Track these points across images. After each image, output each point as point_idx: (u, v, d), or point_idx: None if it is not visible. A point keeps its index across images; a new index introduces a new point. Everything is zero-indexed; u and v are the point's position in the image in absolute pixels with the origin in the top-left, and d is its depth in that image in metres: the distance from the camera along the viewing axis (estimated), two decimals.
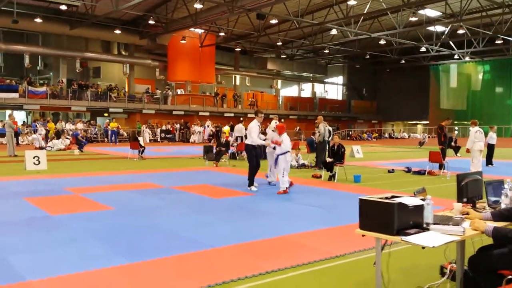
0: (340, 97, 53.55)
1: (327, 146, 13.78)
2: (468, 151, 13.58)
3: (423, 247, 2.89)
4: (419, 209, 3.20)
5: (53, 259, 4.69)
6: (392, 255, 4.19)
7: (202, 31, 34.98)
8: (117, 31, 31.59)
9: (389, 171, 14.03)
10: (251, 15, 28.02)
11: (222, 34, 35.11)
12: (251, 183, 9.74)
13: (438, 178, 12.37)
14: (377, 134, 47.53)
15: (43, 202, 7.90)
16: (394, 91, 49.37)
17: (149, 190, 9.67)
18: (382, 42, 34.71)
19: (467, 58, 40.79)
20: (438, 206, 6.44)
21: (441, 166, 13.34)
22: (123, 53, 36.60)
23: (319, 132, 14.45)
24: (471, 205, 3.93)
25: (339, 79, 53.63)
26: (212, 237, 5.67)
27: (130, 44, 35.47)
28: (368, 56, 42.92)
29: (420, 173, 13.51)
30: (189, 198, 8.64)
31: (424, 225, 3.23)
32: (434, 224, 3.28)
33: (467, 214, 3.60)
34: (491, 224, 3.20)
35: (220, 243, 5.38)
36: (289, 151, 9.63)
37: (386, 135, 49.71)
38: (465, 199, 3.90)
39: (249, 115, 39.45)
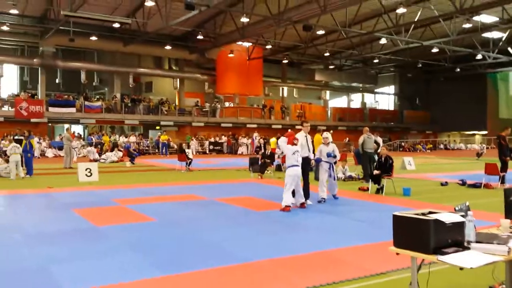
0: (391, 107, 52.18)
1: (373, 158, 13.40)
2: None
3: (461, 268, 2.67)
4: (459, 226, 2.97)
5: (92, 270, 4.78)
6: (434, 274, 3.93)
7: (250, 44, 35.33)
8: (168, 47, 32.54)
9: (442, 184, 13.41)
10: (298, 27, 27.96)
11: (269, 46, 35.30)
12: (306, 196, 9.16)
13: (495, 192, 11.64)
14: (431, 145, 45.77)
15: (90, 213, 8.15)
16: (449, 100, 47.47)
17: (192, 202, 9.76)
18: (435, 50, 33.56)
19: None
20: (490, 222, 6.04)
21: (501, 179, 12.59)
22: (174, 68, 37.62)
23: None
24: None
25: (391, 89, 52.30)
26: (250, 251, 5.60)
27: (180, 59, 36.40)
28: (420, 65, 41.62)
29: (475, 186, 12.81)
30: (231, 211, 8.62)
31: (465, 244, 3.00)
32: (477, 242, 3.04)
33: None
34: None
35: (258, 256, 5.30)
36: (296, 165, 8.52)
37: (441, 146, 47.77)
38: None
39: (297, 127, 39.29)
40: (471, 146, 46.05)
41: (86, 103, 31.08)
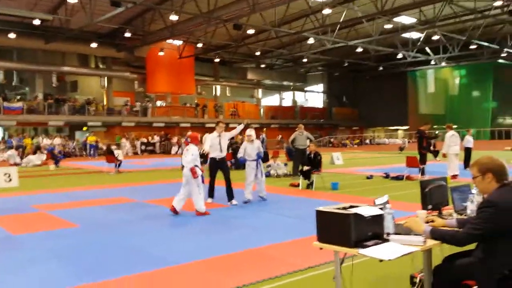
0: (321, 105, 53.80)
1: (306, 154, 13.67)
2: (444, 155, 13.61)
3: (381, 260, 2.75)
4: (378, 219, 3.06)
5: (11, 283, 4.43)
6: (358, 266, 4.05)
7: (181, 42, 34.81)
8: (94, 44, 31.20)
9: (367, 177, 14.00)
10: (229, 26, 27.96)
11: (200, 45, 34.99)
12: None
13: (416, 183, 12.29)
14: (358, 141, 47.77)
15: (6, 221, 7.59)
16: (374, 97, 49.81)
17: (120, 205, 9.40)
18: (360, 49, 34.99)
19: (443, 64, 41.33)
20: (411, 212, 6.35)
21: (421, 171, 13.33)
22: (101, 66, 36.18)
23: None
24: (437, 212, 3.81)
25: (319, 87, 53.90)
26: (179, 253, 5.48)
27: (108, 57, 35.07)
28: (346, 64, 43.18)
29: (398, 178, 13.50)
30: (161, 212, 8.38)
31: (385, 236, 3.10)
32: (396, 234, 3.15)
33: (432, 221, 3.49)
34: (429, 226, 3.10)
35: (187, 258, 5.19)
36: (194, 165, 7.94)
37: (367, 141, 49.98)
38: (430, 206, 3.79)
39: (230, 125, 39.28)
40: (394, 141, 48.61)
41: (5, 104, 29.08)
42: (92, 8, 23.01)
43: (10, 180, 12.79)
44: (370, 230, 3.00)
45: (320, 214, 3.11)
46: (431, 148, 20.64)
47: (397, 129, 53.49)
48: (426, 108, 47.39)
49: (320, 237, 3.10)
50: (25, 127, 32.37)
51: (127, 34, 29.95)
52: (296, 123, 43.72)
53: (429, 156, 14.91)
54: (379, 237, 3.04)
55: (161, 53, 34.29)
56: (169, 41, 32.77)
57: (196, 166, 7.94)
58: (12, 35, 27.53)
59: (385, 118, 49.56)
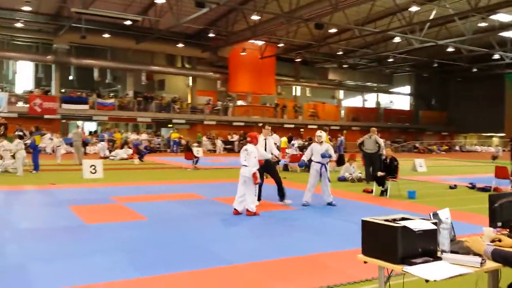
0: (407, 108, 51.43)
1: (373, 158, 13.15)
2: None
3: (426, 280, 2.48)
4: (431, 234, 2.77)
5: (69, 269, 4.69)
6: (410, 285, 3.72)
7: (262, 42, 35.14)
8: (180, 45, 32.56)
9: (450, 187, 13.07)
10: (310, 25, 27.68)
11: (281, 45, 35.07)
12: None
13: None
14: (447, 147, 44.95)
15: (84, 210, 8.10)
16: (466, 101, 46.56)
17: (190, 200, 9.65)
18: (450, 49, 32.89)
19: None
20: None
21: None
22: (186, 66, 37.64)
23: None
24: (508, 230, 3.39)
25: (406, 89, 51.54)
26: (237, 253, 5.47)
27: (193, 57, 36.41)
28: (436, 65, 40.85)
29: (485, 189, 12.41)
30: (225, 210, 8.46)
31: (439, 253, 2.80)
32: (453, 252, 2.83)
33: (499, 241, 3.10)
34: (492, 246, 2.73)
35: (243, 259, 5.16)
36: (244, 165, 8.07)
37: (457, 148, 46.88)
38: (499, 224, 3.38)
39: (309, 126, 39.02)
40: (487, 149, 45.08)
41: (99, 100, 31.29)
42: (178, 9, 24.02)
43: (96, 172, 13.69)
44: (421, 246, 2.72)
45: (366, 225, 2.89)
46: None
47: (492, 136, 49.55)
48: None
49: (365, 250, 2.88)
50: (117, 122, 34.69)
51: (211, 35, 30.84)
52: (380, 126, 42.42)
53: None
54: (431, 255, 2.75)
55: (243, 53, 34.89)
56: (251, 41, 33.23)
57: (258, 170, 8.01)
58: (106, 35, 29.54)
59: (478, 124, 46.13)
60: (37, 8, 28.01)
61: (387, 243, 2.70)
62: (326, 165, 9.31)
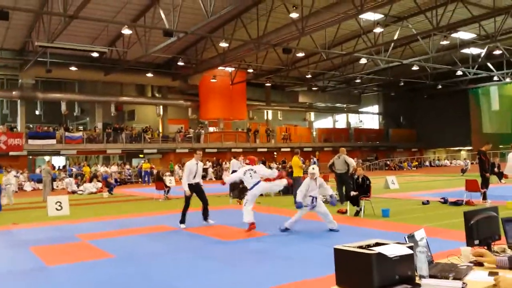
0: (376, 126, 52.25)
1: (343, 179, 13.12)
2: (506, 176, 12.46)
3: None
4: (408, 259, 2.57)
5: None
6: None
7: (232, 69, 35.30)
8: (150, 75, 32.33)
9: (423, 203, 13.03)
10: (279, 50, 27.96)
11: (251, 70, 35.28)
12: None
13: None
14: (417, 163, 45.65)
15: (46, 251, 7.62)
16: (434, 117, 47.65)
17: (160, 233, 9.26)
18: (415, 68, 33.74)
19: (507, 79, 38.93)
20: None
21: (483, 195, 12.27)
22: (157, 95, 37.34)
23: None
24: (485, 248, 3.23)
25: (375, 108, 52.49)
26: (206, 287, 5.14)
27: (163, 86, 36.18)
28: (402, 83, 41.84)
29: (457, 203, 12.43)
30: (198, 241, 8.13)
31: (417, 279, 2.60)
32: (431, 277, 2.64)
33: (481, 256, 2.92)
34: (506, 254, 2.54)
35: None
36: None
37: (427, 163, 47.67)
38: (477, 241, 3.22)
39: (282, 149, 39.03)
40: (456, 162, 46.00)
41: (67, 134, 30.52)
42: (147, 40, 23.88)
43: (61, 208, 13.10)
44: (398, 273, 2.52)
45: (338, 253, 2.67)
46: (496, 169, 19.22)
47: (460, 150, 50.69)
48: (490, 127, 44.57)
49: (340, 280, 2.66)
50: (86, 155, 33.85)
51: (181, 63, 30.77)
52: (351, 145, 42.81)
53: (494, 178, 13.75)
54: (410, 281, 2.55)
55: (213, 80, 34.89)
56: (221, 68, 33.31)
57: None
58: (73, 68, 29.07)
59: (446, 139, 47.18)
60: (1, 44, 27.44)
61: (362, 272, 2.48)
62: (316, 198, 8.82)
